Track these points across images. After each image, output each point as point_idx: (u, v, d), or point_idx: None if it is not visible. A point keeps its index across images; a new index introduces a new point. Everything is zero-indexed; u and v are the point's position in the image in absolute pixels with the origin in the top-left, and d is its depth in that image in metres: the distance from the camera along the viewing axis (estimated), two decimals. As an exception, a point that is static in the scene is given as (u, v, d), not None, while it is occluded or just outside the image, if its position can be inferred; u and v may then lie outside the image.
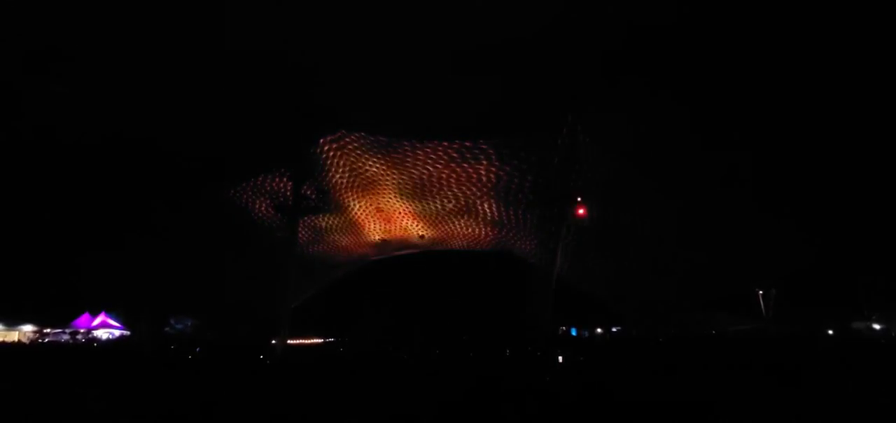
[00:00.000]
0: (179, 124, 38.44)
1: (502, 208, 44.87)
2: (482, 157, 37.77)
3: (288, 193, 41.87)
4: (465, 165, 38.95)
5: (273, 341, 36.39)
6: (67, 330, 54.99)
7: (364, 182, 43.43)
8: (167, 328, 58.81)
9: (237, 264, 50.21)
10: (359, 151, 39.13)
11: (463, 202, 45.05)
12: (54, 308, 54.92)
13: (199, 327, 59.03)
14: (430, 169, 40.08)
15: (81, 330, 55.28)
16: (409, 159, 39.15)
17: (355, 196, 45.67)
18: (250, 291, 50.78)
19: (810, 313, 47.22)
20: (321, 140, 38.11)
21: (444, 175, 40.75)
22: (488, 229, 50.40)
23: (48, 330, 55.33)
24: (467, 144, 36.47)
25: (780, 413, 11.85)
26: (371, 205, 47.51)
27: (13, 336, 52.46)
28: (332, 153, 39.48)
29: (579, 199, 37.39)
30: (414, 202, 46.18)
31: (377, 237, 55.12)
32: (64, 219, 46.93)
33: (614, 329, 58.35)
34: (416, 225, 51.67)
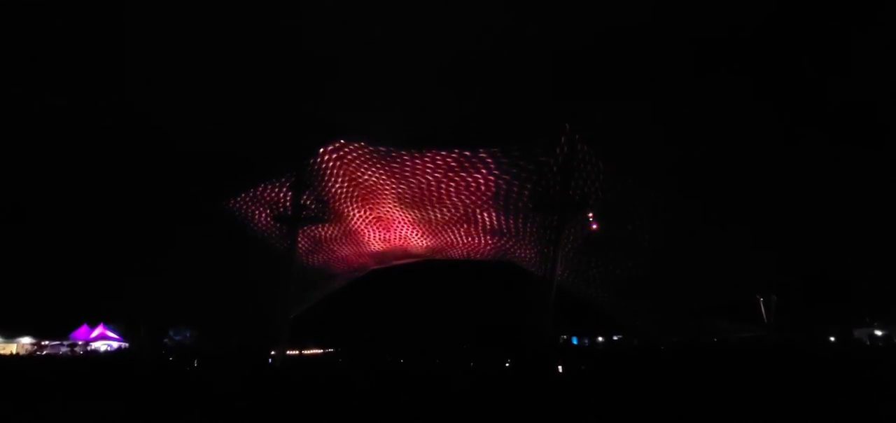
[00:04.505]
0: (180, 136, 38.64)
1: (502, 217, 44.90)
2: (481, 166, 37.91)
3: (288, 203, 41.94)
4: (464, 174, 39.07)
5: (272, 352, 36.22)
6: (66, 342, 54.71)
7: (364, 192, 43.51)
8: (166, 340, 58.53)
9: (236, 274, 50.10)
10: (358, 161, 39.26)
11: (462, 211, 45.10)
12: (52, 320, 54.69)
13: (198, 337, 58.75)
14: (430, 178, 40.19)
15: (80, 342, 55.00)
16: (408, 169, 39.27)
17: (355, 206, 45.73)
18: (250, 301, 50.60)
19: (811, 319, 47.04)
20: (321, 150, 38.28)
21: (443, 184, 40.86)
22: (488, 238, 50.39)
23: (46, 342, 55.04)
24: (466, 153, 36.62)
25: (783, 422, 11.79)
26: (371, 214, 47.55)
27: (11, 349, 52.16)
28: (331, 163, 39.62)
29: (580, 208, 37.46)
30: (413, 211, 46.24)
31: (377, 247, 55.09)
32: (62, 230, 46.92)
33: (615, 338, 58.09)
34: (416, 234, 51.67)
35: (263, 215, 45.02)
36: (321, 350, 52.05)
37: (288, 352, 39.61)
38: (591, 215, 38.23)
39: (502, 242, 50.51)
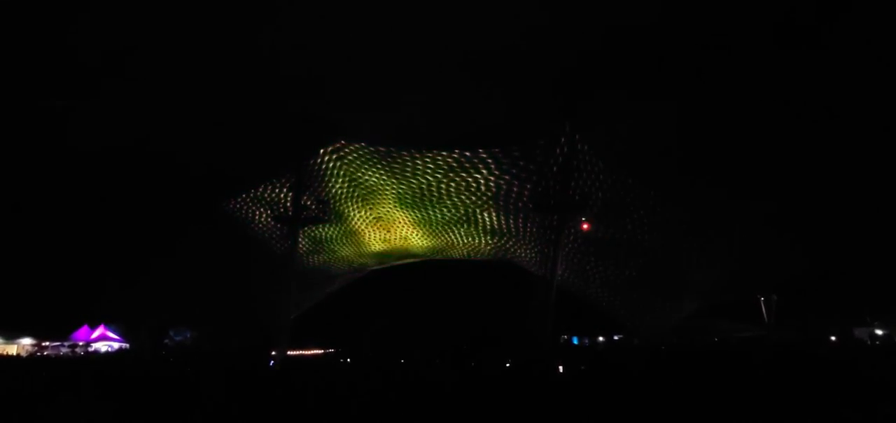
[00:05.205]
0: (180, 136, 38.73)
1: (502, 217, 44.95)
2: (481, 166, 37.95)
3: (288, 203, 41.99)
4: (464, 174, 39.13)
5: (273, 353, 36.26)
6: (66, 343, 54.79)
7: (364, 192, 43.58)
8: (166, 340, 58.61)
9: (237, 275, 50.16)
10: (358, 161, 39.33)
11: (462, 211, 45.15)
12: (53, 321, 54.75)
13: (198, 338, 58.84)
14: (430, 178, 40.25)
15: (80, 343, 55.08)
16: (408, 169, 39.34)
17: (355, 206, 45.79)
18: (250, 302, 50.65)
19: (812, 318, 47.09)
20: (321, 150, 38.34)
21: (443, 184, 40.92)
22: (488, 238, 50.44)
23: (47, 343, 55.11)
24: (466, 153, 36.68)
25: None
26: (371, 214, 47.61)
27: (11, 349, 52.23)
28: (331, 163, 39.68)
29: (581, 208, 37.51)
30: (414, 211, 46.29)
31: (377, 247, 55.13)
32: (63, 231, 47.00)
33: (615, 337, 58.19)
34: (416, 234, 51.72)
35: (263, 215, 45.09)
36: (321, 351, 52.16)
37: (288, 352, 39.64)
38: (584, 218, 38.29)
39: (502, 242, 50.55)
